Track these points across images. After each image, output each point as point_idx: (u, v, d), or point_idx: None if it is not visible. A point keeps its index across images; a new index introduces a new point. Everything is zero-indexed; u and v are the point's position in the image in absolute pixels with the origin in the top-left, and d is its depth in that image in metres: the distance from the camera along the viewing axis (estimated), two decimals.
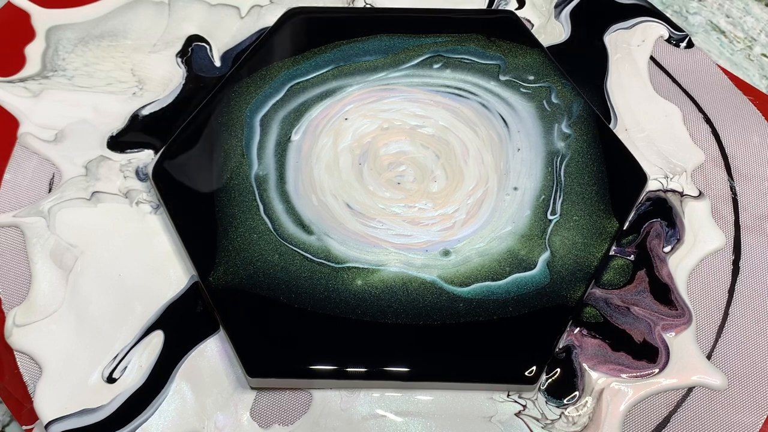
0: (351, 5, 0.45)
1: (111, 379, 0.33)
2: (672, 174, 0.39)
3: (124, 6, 0.44)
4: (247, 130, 0.39)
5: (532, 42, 0.42)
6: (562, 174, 0.38)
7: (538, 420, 0.32)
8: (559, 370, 0.33)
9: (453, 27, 0.42)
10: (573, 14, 0.45)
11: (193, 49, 0.43)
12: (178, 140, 0.38)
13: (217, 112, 0.39)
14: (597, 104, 0.41)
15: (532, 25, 0.44)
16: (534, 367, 0.32)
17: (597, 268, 0.35)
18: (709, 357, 0.34)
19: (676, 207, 0.38)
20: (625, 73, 0.42)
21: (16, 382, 0.33)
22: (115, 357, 0.33)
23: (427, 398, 0.33)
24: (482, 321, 0.33)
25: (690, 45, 0.44)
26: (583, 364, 0.33)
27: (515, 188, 0.37)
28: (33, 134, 0.39)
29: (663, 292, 0.35)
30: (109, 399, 0.32)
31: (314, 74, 0.41)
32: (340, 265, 0.35)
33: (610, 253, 0.36)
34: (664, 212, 0.38)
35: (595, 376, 0.33)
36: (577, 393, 0.33)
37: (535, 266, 0.35)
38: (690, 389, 0.33)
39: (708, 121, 0.41)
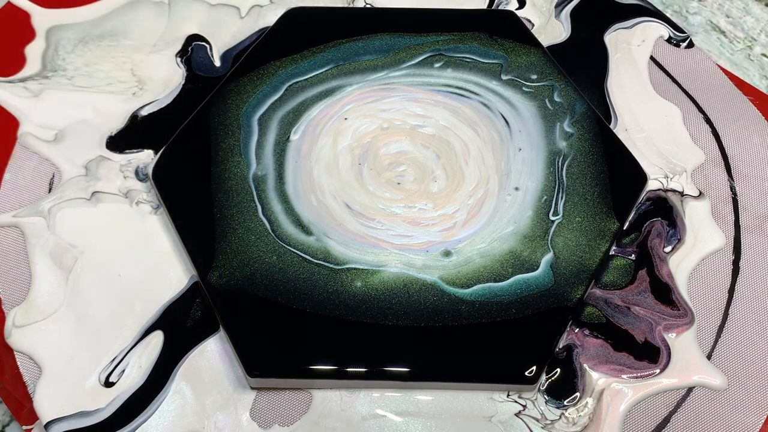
0: (351, 5, 0.45)
1: (109, 383, 0.33)
2: (672, 174, 0.39)
3: (124, 6, 0.44)
4: (245, 130, 0.38)
5: (533, 42, 0.42)
6: (564, 174, 0.38)
7: (538, 420, 0.32)
8: (559, 370, 0.33)
9: (453, 26, 0.42)
10: (573, 14, 0.45)
11: (193, 49, 0.43)
12: (178, 140, 0.38)
13: (217, 112, 0.39)
14: (597, 104, 0.41)
15: (533, 25, 0.44)
16: (534, 367, 0.32)
17: (598, 268, 0.35)
18: (708, 357, 0.34)
19: (677, 206, 0.38)
20: (626, 73, 0.42)
21: (16, 382, 0.33)
22: (115, 358, 0.33)
23: (427, 398, 0.33)
24: (484, 323, 0.33)
25: (690, 45, 0.44)
26: (584, 365, 0.33)
27: (516, 188, 0.37)
28: (33, 134, 0.39)
29: (664, 292, 0.35)
30: (109, 399, 0.32)
31: (313, 73, 0.40)
32: (339, 266, 0.35)
33: (611, 253, 0.36)
34: (664, 212, 0.38)
35: (596, 377, 0.33)
36: (577, 394, 0.33)
37: (538, 267, 0.35)
38: (690, 389, 0.33)
39: (708, 121, 0.41)
